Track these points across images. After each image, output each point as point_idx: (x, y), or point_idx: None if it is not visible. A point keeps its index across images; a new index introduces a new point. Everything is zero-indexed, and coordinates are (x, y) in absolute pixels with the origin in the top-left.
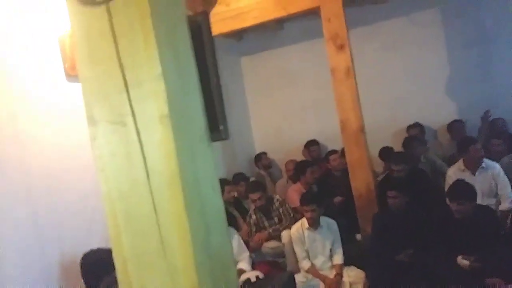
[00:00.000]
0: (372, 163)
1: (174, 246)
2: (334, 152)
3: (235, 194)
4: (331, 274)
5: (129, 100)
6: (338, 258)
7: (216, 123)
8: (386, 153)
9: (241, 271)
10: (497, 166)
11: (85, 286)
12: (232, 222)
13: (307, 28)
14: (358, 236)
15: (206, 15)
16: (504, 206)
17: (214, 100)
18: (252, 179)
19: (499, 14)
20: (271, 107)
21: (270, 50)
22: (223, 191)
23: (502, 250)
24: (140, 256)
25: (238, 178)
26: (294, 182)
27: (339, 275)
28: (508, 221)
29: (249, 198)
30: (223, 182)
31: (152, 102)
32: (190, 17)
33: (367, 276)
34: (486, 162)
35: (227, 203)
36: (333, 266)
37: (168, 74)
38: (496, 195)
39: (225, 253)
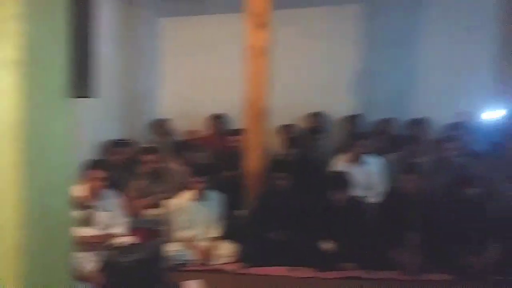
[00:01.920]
0: (269, 144)
1: (3, 200)
2: (236, 132)
3: (130, 157)
4: (205, 246)
5: None
6: (216, 231)
7: (84, 79)
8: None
9: (111, 236)
10: (378, 162)
11: None
12: (117, 184)
13: (231, 0)
14: (238, 212)
15: None
16: (374, 199)
17: (86, 57)
18: (150, 144)
19: (415, 19)
20: (184, 74)
21: (192, 16)
22: (115, 152)
23: (362, 238)
24: None
25: (134, 141)
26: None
27: (214, 247)
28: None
29: (142, 160)
30: (116, 143)
31: (4, 44)
32: None
33: (239, 250)
34: (370, 157)
35: (116, 165)
36: (210, 238)
37: (29, 17)
38: (372, 188)
39: (61, 212)
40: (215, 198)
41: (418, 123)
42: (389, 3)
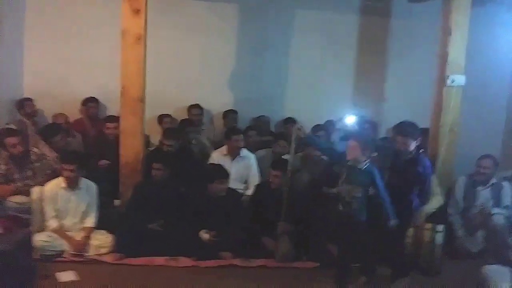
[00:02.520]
0: (147, 134)
1: None
2: (112, 119)
3: None
4: (79, 236)
5: None
6: (90, 221)
7: None
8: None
9: None
10: (252, 157)
11: None
12: None
13: None
14: (116, 202)
15: None
16: (249, 192)
17: None
18: (11, 126)
19: (288, 27)
20: (53, 53)
21: None
22: None
23: (238, 228)
24: None
25: None
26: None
27: (87, 237)
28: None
29: (3, 143)
30: None
31: None
32: None
33: (115, 241)
34: (245, 152)
35: None
36: (83, 228)
37: None
38: (246, 181)
39: None
40: (85, 186)
41: (288, 122)
42: (267, 9)
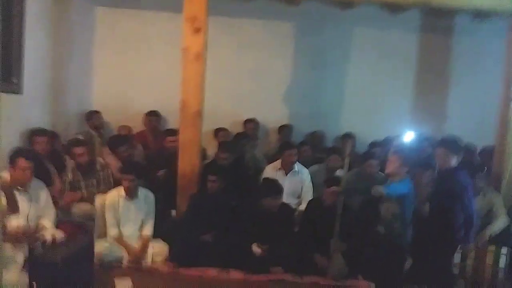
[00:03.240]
0: (204, 146)
1: None
2: (173, 132)
3: (58, 149)
4: (137, 245)
5: None
6: (147, 230)
7: (9, 75)
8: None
9: (41, 226)
10: (306, 172)
11: None
12: (44, 176)
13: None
14: (174, 212)
15: None
16: (303, 206)
17: (12, 53)
18: (79, 136)
19: (345, 43)
20: (120, 67)
21: (131, 10)
22: (35, 142)
23: (290, 244)
24: None
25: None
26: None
27: (145, 246)
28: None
29: (72, 152)
30: (37, 132)
31: None
32: None
33: (170, 250)
34: (298, 166)
35: (40, 155)
36: (140, 237)
37: None
38: (299, 196)
39: None
40: (144, 196)
41: (345, 138)
42: (324, 26)
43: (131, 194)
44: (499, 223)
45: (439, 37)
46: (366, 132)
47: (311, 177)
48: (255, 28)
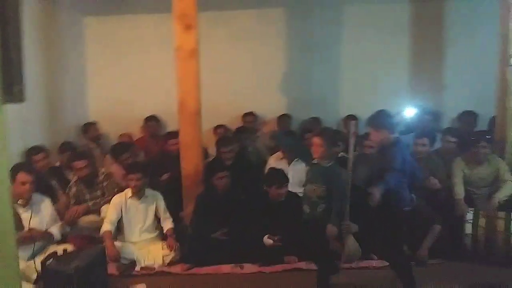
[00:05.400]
0: (205, 145)
1: None
2: (173, 135)
3: (57, 164)
4: (149, 243)
5: None
6: (168, 223)
7: (11, 84)
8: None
9: (47, 234)
10: None
11: None
12: (48, 192)
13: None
14: (181, 214)
15: None
16: None
17: (11, 60)
18: (80, 148)
19: (335, 23)
20: (114, 75)
21: (119, 16)
22: (34, 160)
23: (300, 232)
24: None
25: (64, 146)
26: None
27: (157, 247)
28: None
29: (73, 166)
30: (35, 150)
31: None
32: None
33: (180, 250)
34: None
35: (42, 172)
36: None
37: None
38: None
39: (4, 217)
40: (151, 195)
41: (347, 120)
42: (311, 8)
43: (138, 193)
44: (506, 189)
45: (429, 3)
46: (367, 112)
47: None
48: (246, 19)
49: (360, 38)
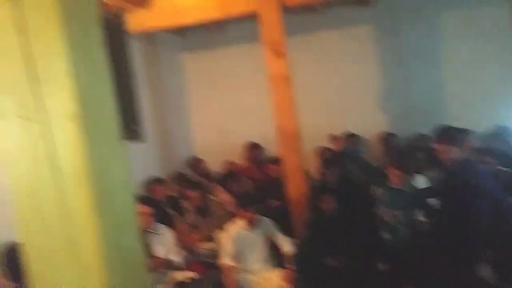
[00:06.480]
0: (307, 168)
1: (83, 244)
2: (275, 161)
3: (174, 194)
4: (265, 275)
5: (37, 95)
6: (287, 247)
7: (132, 122)
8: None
9: (170, 262)
10: (422, 180)
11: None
12: (166, 220)
13: (250, 31)
14: (293, 240)
15: (121, 17)
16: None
17: (131, 99)
18: (191, 180)
19: (431, 33)
20: (213, 107)
21: (214, 50)
22: (154, 190)
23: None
24: (49, 254)
25: (178, 177)
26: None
27: (273, 276)
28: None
29: (187, 196)
30: (156, 181)
31: (61, 98)
32: (106, 17)
33: (295, 278)
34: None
35: (161, 202)
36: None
37: (77, 71)
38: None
39: (136, 251)
40: (263, 224)
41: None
42: (402, 21)
43: (252, 225)
44: None
45: None
46: (475, 122)
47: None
48: (333, 38)
49: (459, 46)
